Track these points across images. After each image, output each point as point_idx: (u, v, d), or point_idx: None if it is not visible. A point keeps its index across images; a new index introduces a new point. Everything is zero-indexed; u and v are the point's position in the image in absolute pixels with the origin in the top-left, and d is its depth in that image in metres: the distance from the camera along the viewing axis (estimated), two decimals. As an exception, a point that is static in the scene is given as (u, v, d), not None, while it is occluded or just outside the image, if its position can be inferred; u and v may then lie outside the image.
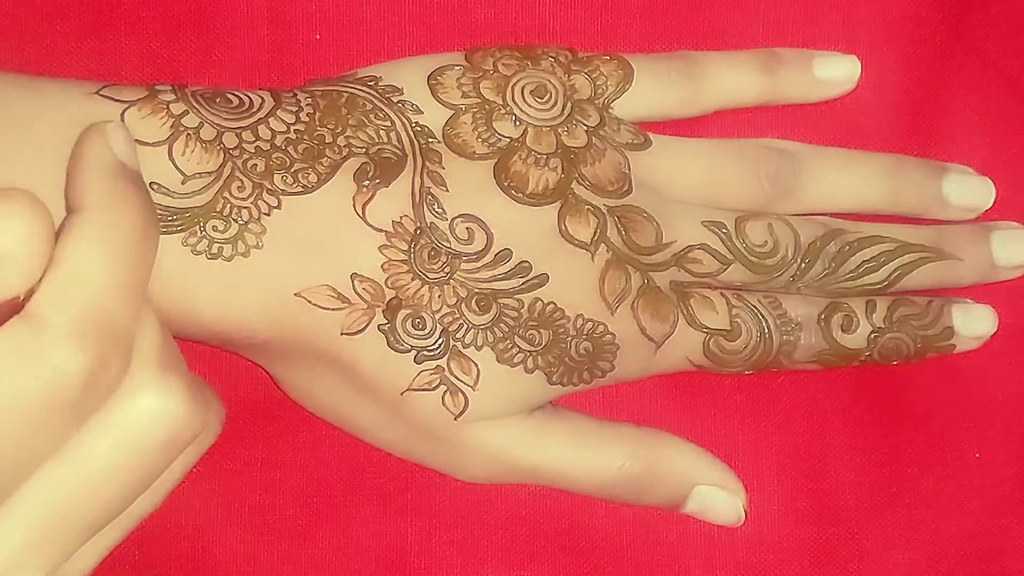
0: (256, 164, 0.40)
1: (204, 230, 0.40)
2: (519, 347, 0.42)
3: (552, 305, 0.42)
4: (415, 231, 0.41)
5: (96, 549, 0.36)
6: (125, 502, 0.35)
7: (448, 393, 0.42)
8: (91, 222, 0.33)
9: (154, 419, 0.34)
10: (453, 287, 0.41)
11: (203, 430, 0.36)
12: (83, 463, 0.33)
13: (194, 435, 0.35)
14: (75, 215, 0.34)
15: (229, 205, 0.40)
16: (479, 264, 0.42)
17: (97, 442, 0.33)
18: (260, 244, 0.40)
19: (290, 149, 0.41)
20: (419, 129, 0.42)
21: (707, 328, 0.44)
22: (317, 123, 0.42)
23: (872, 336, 0.45)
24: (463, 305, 0.42)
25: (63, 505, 0.33)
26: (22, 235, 0.31)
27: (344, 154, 0.41)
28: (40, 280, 0.32)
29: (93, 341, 0.32)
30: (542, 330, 0.42)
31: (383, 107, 0.42)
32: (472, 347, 0.42)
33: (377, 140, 0.42)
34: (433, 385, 0.42)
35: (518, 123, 0.43)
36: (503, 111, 0.43)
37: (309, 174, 0.41)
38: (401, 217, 0.41)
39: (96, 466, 0.34)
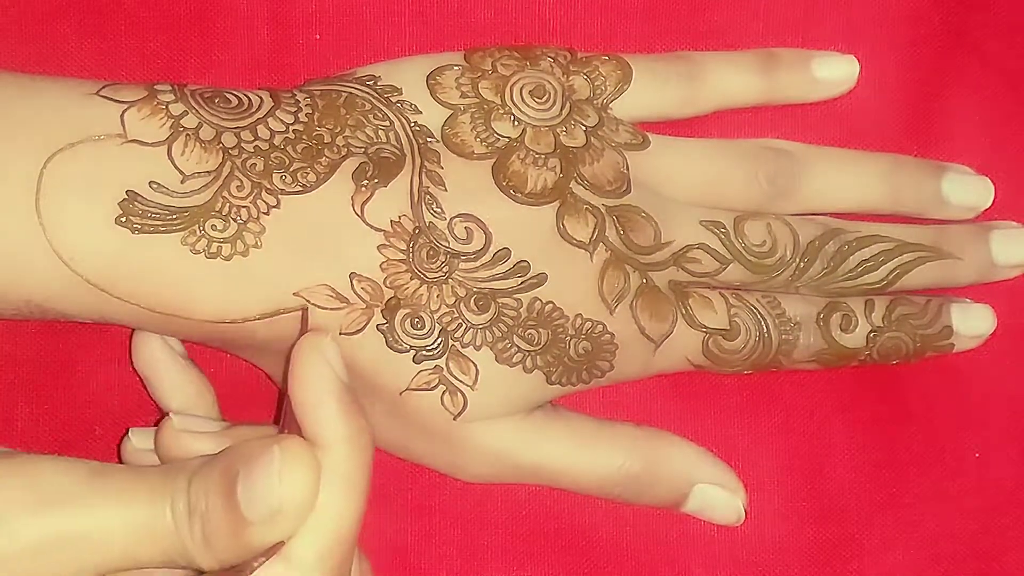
0: (255, 163, 0.40)
1: (203, 229, 0.40)
2: (518, 347, 0.42)
3: (551, 304, 0.42)
4: (414, 230, 0.41)
5: None
6: None
7: (447, 393, 0.42)
8: (339, 465, 0.35)
9: None
10: (452, 286, 0.42)
11: None
12: None
13: None
14: (322, 454, 0.35)
15: (228, 204, 0.40)
16: (478, 263, 0.42)
17: None
18: (259, 243, 0.40)
19: (289, 149, 0.41)
20: (418, 129, 0.42)
21: (706, 328, 0.44)
22: (316, 123, 0.42)
23: (871, 335, 0.45)
24: (462, 304, 0.42)
25: None
26: (301, 493, 0.34)
27: (343, 154, 0.41)
28: None
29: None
30: (541, 329, 0.42)
31: (382, 107, 0.42)
32: (471, 347, 0.42)
33: (376, 140, 0.42)
34: (432, 385, 0.42)
35: (517, 123, 0.43)
36: (502, 111, 0.43)
37: (308, 173, 0.41)
38: (400, 216, 0.41)
39: None
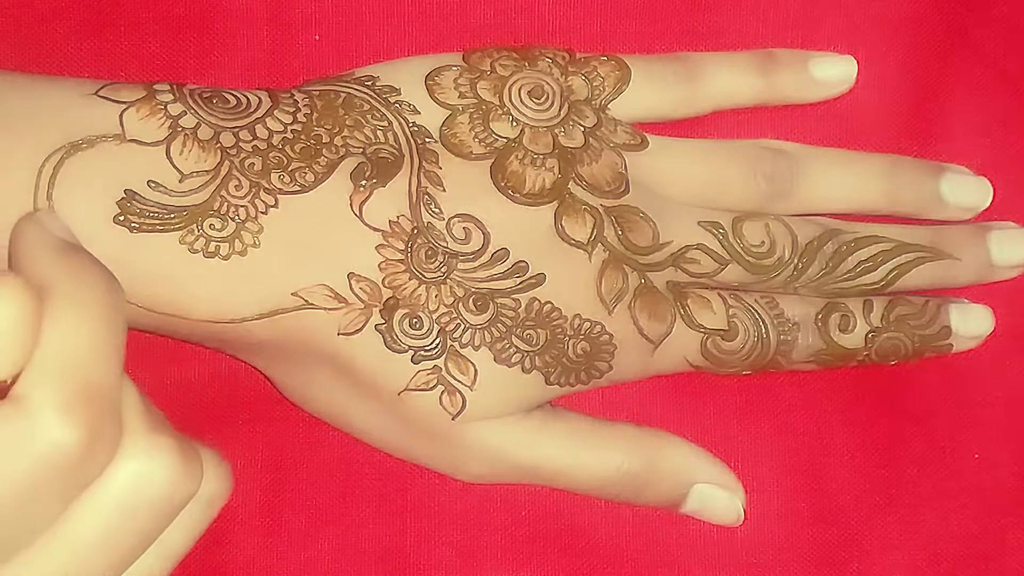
0: (253, 163, 0.40)
1: (201, 228, 0.40)
2: (516, 347, 0.42)
3: (549, 305, 0.42)
4: (412, 231, 0.41)
5: None
6: (120, 569, 0.35)
7: (445, 393, 0.42)
8: (61, 298, 0.33)
9: (142, 482, 0.34)
10: (450, 287, 0.42)
11: (199, 490, 0.35)
12: (74, 535, 0.33)
13: (187, 496, 0.35)
14: (44, 295, 0.33)
15: (226, 204, 0.40)
16: (476, 264, 0.42)
17: (87, 513, 0.33)
18: (257, 243, 0.40)
19: (287, 149, 0.41)
20: (416, 129, 0.42)
21: (704, 328, 0.44)
22: (314, 123, 0.42)
23: (869, 336, 0.45)
24: (460, 305, 0.42)
25: None
26: (10, 321, 0.31)
27: (341, 154, 0.41)
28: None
29: (83, 414, 0.32)
30: (539, 330, 0.42)
31: (380, 107, 0.42)
32: (470, 347, 0.42)
33: (374, 140, 0.42)
34: (430, 385, 0.42)
35: (515, 123, 0.43)
36: (500, 111, 0.43)
37: (306, 173, 0.41)
38: (398, 217, 0.41)
39: (87, 537, 0.33)
